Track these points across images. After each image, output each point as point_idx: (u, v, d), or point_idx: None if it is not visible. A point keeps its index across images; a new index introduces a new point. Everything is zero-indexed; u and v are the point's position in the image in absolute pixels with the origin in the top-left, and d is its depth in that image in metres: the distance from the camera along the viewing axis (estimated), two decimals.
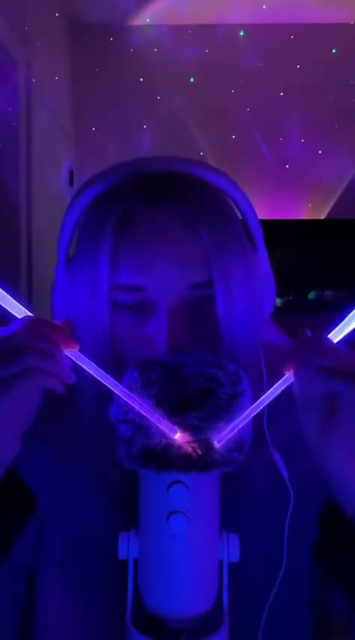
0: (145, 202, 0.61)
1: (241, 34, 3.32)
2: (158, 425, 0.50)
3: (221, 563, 0.55)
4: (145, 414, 0.51)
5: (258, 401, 0.52)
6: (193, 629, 0.54)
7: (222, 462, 0.51)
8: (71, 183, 3.20)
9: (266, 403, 0.52)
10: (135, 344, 0.60)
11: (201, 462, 0.50)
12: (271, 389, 0.53)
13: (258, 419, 0.55)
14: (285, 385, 0.53)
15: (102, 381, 0.52)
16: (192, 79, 3.35)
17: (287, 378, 0.53)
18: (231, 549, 0.54)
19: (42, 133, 2.71)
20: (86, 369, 0.52)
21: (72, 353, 0.52)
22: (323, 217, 3.46)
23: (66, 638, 0.68)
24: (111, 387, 0.52)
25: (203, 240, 0.60)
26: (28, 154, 2.55)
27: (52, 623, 0.69)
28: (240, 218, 0.67)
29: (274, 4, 3.11)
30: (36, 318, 0.52)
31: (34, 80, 2.57)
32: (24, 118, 2.53)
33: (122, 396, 0.52)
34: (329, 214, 3.46)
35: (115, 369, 0.54)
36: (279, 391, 0.53)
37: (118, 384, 0.52)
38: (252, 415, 0.52)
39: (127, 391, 0.52)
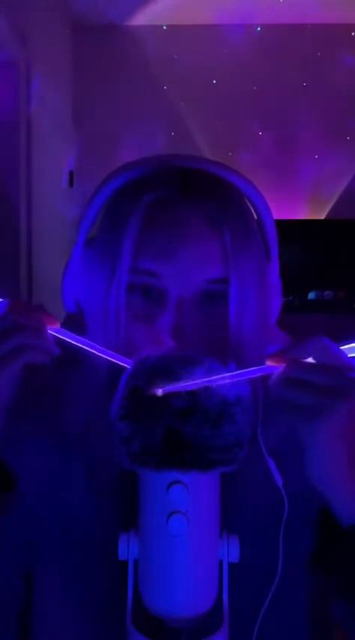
0: (175, 194, 0.63)
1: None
2: (127, 366, 0.55)
3: (221, 563, 0.55)
4: (119, 362, 0.55)
5: (226, 375, 0.53)
6: (193, 629, 0.54)
7: (222, 461, 0.51)
8: (71, 183, 3.20)
9: (226, 380, 0.52)
10: (144, 329, 0.61)
11: (199, 457, 0.50)
12: (245, 370, 0.53)
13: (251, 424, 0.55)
14: (255, 374, 0.53)
15: (85, 348, 0.56)
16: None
17: (264, 368, 0.53)
18: (231, 549, 0.55)
19: (42, 133, 2.71)
20: (69, 341, 0.57)
21: (54, 329, 0.56)
22: (323, 217, 3.46)
23: (65, 638, 0.68)
24: (95, 352, 0.56)
25: (224, 238, 0.61)
26: (28, 154, 2.55)
27: (51, 623, 0.69)
28: (258, 223, 0.68)
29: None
30: (16, 300, 0.57)
31: (34, 80, 2.57)
32: (24, 118, 2.53)
33: (100, 354, 0.56)
34: (329, 214, 3.46)
35: (124, 352, 0.55)
36: (248, 376, 0.53)
37: (100, 347, 0.56)
38: (209, 383, 0.52)
39: (102, 349, 0.56)
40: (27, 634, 0.70)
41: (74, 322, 0.70)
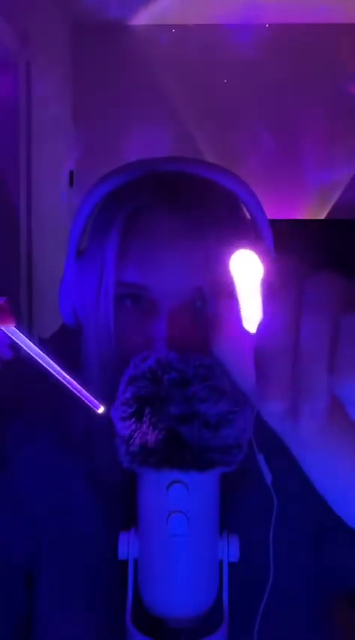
0: (155, 203, 0.61)
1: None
2: (83, 398, 0.52)
3: (220, 562, 0.55)
4: (72, 388, 0.52)
5: None
6: (193, 628, 0.54)
7: (222, 461, 0.51)
8: (71, 183, 3.20)
9: None
10: (137, 342, 0.61)
11: (198, 457, 0.50)
12: None
13: None
14: None
15: (36, 358, 0.51)
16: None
17: None
18: (231, 549, 0.54)
19: (42, 133, 2.71)
20: (21, 345, 0.51)
21: (8, 329, 0.49)
22: (323, 217, 3.46)
23: (66, 638, 0.68)
24: (44, 365, 0.51)
25: (209, 244, 0.60)
26: (28, 154, 2.55)
27: (51, 624, 0.69)
28: (251, 222, 0.67)
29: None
30: None
31: (34, 80, 2.57)
32: (24, 117, 2.53)
33: (54, 373, 0.52)
34: (329, 214, 3.46)
35: (119, 365, 0.54)
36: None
37: (50, 361, 0.51)
38: None
39: (56, 367, 0.51)
40: (28, 635, 0.70)
41: (68, 334, 0.69)
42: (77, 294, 0.66)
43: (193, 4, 3.19)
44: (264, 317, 0.34)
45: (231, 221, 0.63)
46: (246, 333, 0.35)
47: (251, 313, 0.35)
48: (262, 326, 0.33)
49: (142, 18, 3.31)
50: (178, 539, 0.52)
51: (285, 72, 3.32)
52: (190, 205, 0.61)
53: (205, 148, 3.35)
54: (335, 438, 0.37)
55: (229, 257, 0.58)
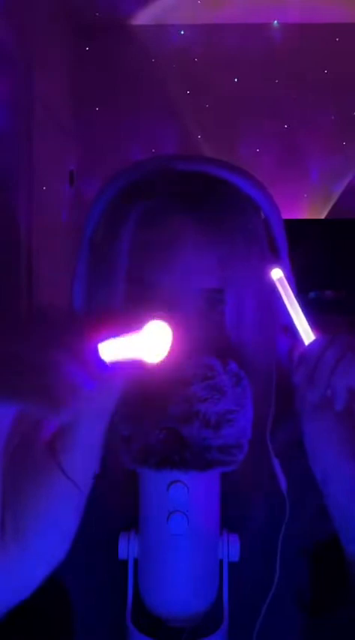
0: (170, 201, 0.61)
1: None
2: None
3: (221, 562, 0.55)
4: None
5: None
6: (193, 628, 0.54)
7: (222, 461, 0.51)
8: (71, 183, 3.20)
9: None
10: None
11: (198, 457, 0.50)
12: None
13: (261, 425, 0.55)
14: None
15: None
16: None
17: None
18: (231, 548, 0.54)
19: (42, 133, 2.71)
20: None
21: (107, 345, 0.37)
22: (323, 217, 3.46)
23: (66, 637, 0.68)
24: None
25: (221, 247, 0.60)
26: (28, 154, 2.55)
27: None
28: (266, 226, 0.67)
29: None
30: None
31: (34, 80, 2.57)
32: (24, 118, 2.53)
33: None
34: (329, 214, 3.46)
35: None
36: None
37: None
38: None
39: None
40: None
41: None
42: (87, 290, 0.66)
43: (193, 4, 3.18)
44: (314, 341, 0.59)
45: (242, 225, 0.62)
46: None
47: (300, 326, 0.61)
48: (312, 345, 0.59)
49: (145, 17, 3.31)
50: (178, 539, 0.52)
51: (289, 71, 3.32)
52: (204, 208, 0.61)
53: (206, 147, 3.35)
54: (327, 416, 0.59)
55: (240, 261, 0.58)
